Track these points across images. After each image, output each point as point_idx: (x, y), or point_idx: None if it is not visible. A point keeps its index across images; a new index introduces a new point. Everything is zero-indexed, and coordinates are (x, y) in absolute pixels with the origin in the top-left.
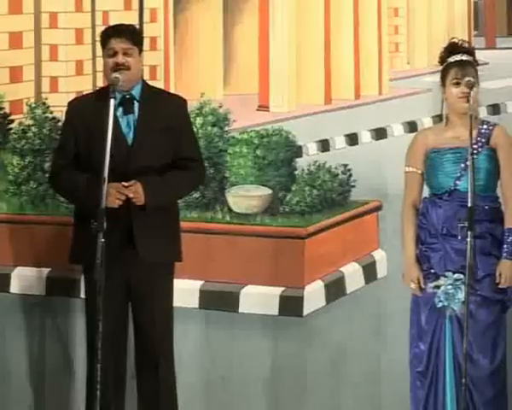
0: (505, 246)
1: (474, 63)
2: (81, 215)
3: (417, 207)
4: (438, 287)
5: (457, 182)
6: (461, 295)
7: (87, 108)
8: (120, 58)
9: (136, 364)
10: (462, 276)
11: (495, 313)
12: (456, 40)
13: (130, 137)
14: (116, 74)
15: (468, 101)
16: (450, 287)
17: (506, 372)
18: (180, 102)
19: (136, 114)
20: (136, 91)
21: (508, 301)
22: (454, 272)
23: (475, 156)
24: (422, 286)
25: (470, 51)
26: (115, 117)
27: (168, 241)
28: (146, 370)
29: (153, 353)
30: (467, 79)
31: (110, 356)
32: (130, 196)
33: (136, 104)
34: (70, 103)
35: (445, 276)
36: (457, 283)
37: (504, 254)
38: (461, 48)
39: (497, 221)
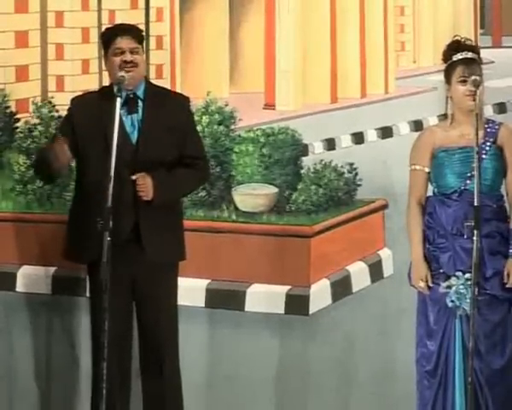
0: (511, 245)
1: (479, 61)
2: (78, 212)
3: (423, 205)
4: (450, 287)
5: (468, 182)
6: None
7: (90, 107)
8: (128, 56)
9: (141, 364)
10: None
11: (503, 311)
12: (459, 38)
13: (134, 137)
14: (122, 73)
15: (474, 99)
16: (461, 287)
17: None
18: (183, 101)
19: (140, 113)
20: (139, 90)
21: None
22: (464, 272)
23: (484, 156)
24: (430, 285)
25: (475, 49)
26: (119, 116)
27: (173, 240)
28: (151, 370)
29: (157, 352)
30: (473, 77)
31: (115, 355)
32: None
33: (140, 103)
34: (73, 100)
35: (456, 276)
36: (469, 282)
37: (510, 253)
38: (465, 46)
39: (503, 220)
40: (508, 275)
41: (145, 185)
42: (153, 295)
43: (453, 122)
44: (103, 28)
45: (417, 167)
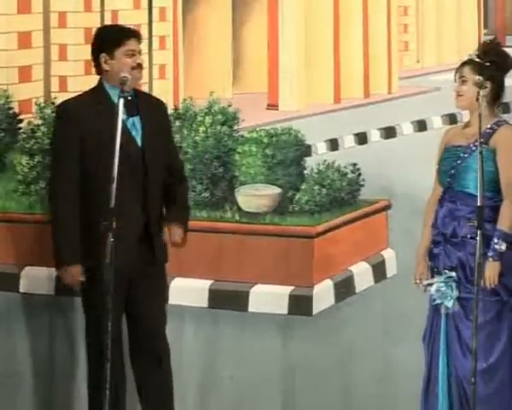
0: (491, 247)
1: (476, 62)
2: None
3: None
4: (430, 285)
5: (448, 180)
6: (453, 293)
7: (87, 111)
8: (141, 59)
9: (139, 364)
10: (453, 274)
11: (490, 313)
12: (487, 40)
13: (139, 139)
14: (125, 73)
15: (477, 99)
16: (442, 284)
17: (505, 371)
18: (165, 106)
19: (138, 115)
20: (131, 93)
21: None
22: (449, 270)
23: (466, 155)
24: (424, 283)
25: (481, 50)
26: (122, 120)
27: (162, 241)
28: (151, 368)
29: (157, 351)
30: (476, 77)
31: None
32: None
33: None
34: (67, 105)
35: (439, 273)
36: (449, 280)
37: (489, 255)
38: (481, 46)
39: (489, 221)
40: (486, 277)
41: (179, 237)
42: (149, 293)
43: (468, 122)
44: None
45: (435, 167)
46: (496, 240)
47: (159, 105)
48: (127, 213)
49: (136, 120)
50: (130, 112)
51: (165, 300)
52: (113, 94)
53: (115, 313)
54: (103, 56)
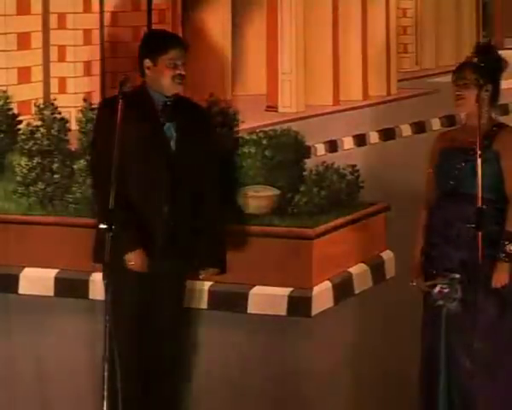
0: (500, 248)
1: (475, 65)
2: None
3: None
4: (433, 286)
5: (452, 182)
6: (457, 294)
7: (129, 113)
8: (183, 69)
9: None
10: (457, 275)
11: (492, 312)
12: (481, 42)
13: (173, 144)
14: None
15: (477, 101)
16: (445, 286)
17: (508, 371)
18: (205, 114)
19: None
20: (171, 99)
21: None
22: (450, 272)
23: (470, 158)
24: (427, 284)
25: (477, 52)
26: (161, 123)
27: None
28: (157, 367)
29: (174, 345)
30: (480, 80)
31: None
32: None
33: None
34: (108, 105)
35: (442, 275)
36: (453, 282)
37: (498, 256)
38: (475, 48)
39: (491, 223)
40: (495, 278)
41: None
42: (171, 292)
43: (465, 124)
44: (105, 30)
45: (429, 170)
46: (505, 242)
47: (199, 112)
48: (154, 213)
49: (172, 125)
50: (167, 117)
51: (183, 302)
52: (156, 99)
53: (132, 312)
54: (147, 62)
